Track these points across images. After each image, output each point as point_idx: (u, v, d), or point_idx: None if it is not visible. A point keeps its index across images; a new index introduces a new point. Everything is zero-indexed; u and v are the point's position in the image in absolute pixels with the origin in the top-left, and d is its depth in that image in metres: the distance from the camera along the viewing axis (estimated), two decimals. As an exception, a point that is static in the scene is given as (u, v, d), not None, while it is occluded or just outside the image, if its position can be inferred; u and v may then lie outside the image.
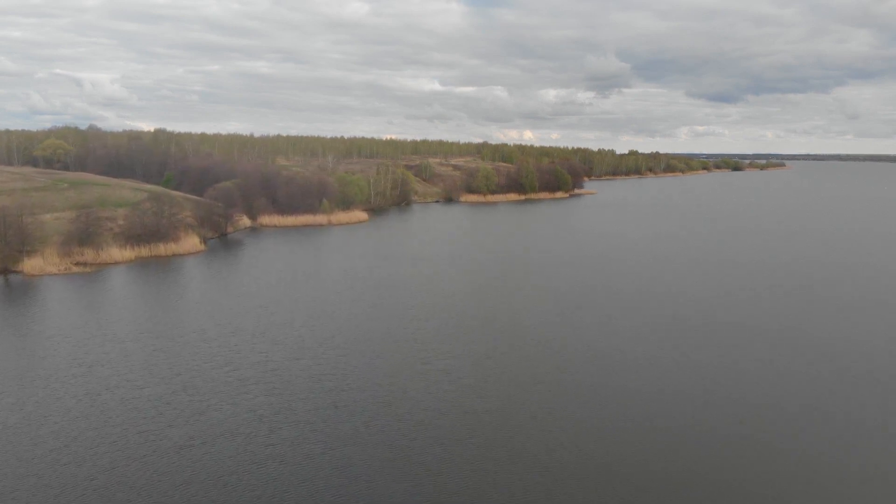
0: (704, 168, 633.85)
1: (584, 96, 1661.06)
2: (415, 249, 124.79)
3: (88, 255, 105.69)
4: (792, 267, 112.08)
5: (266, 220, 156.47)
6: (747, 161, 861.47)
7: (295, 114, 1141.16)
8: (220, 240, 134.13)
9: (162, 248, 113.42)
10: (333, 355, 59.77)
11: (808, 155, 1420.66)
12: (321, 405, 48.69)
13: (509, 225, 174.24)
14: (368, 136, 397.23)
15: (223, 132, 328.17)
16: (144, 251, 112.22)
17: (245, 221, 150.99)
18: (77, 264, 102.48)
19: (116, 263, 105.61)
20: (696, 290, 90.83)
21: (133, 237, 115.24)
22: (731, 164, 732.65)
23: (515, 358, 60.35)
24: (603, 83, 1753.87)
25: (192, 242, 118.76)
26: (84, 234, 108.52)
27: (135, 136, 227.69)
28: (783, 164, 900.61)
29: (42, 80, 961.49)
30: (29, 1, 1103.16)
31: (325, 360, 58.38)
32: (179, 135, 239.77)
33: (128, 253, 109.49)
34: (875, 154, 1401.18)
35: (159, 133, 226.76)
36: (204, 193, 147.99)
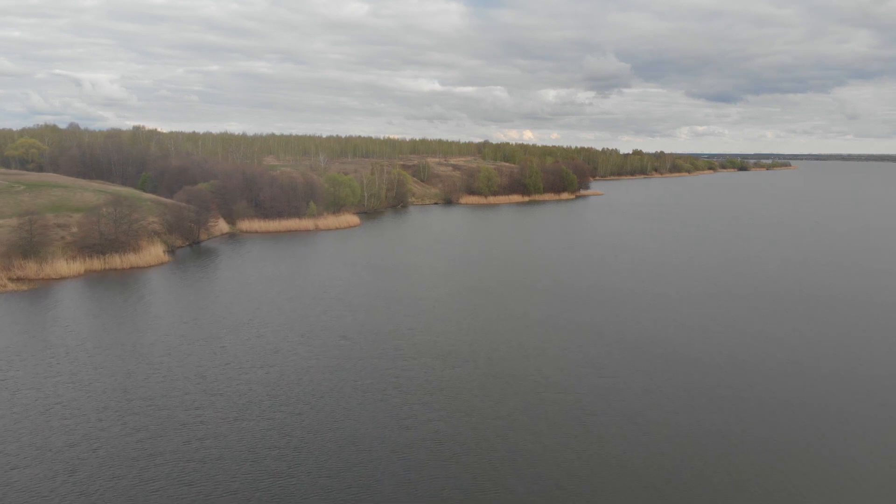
0: (710, 168, 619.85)
1: (584, 96, 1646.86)
2: (408, 259, 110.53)
3: (30, 268, 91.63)
4: (818, 270, 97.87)
5: (246, 225, 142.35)
6: (753, 161, 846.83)
7: (295, 114, 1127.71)
8: (192, 248, 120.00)
9: (118, 261, 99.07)
10: (285, 416, 45.39)
11: (810, 155, 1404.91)
12: (255, 504, 34.44)
13: (514, 229, 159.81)
14: (373, 137, 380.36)
15: (214, 132, 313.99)
16: (97, 264, 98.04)
17: (222, 227, 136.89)
18: (15, 280, 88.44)
19: (62, 279, 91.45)
20: (721, 297, 76.61)
21: (87, 247, 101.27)
22: (738, 163, 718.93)
23: (532, 417, 46.10)
24: (603, 83, 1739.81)
25: (154, 253, 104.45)
26: (28, 245, 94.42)
27: (111, 135, 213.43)
28: (789, 164, 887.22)
29: (41, 80, 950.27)
30: (28, 1, 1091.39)
31: (273, 424, 44.04)
32: (160, 133, 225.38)
33: (77, 266, 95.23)
34: (878, 154, 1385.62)
35: (138, 131, 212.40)
36: (174, 196, 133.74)
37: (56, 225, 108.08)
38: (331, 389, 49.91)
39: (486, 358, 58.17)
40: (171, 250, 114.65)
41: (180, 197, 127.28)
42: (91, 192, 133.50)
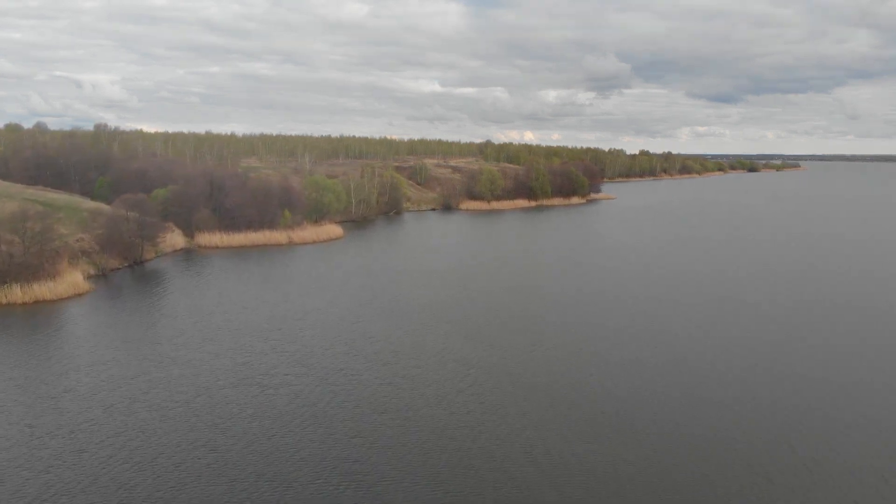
0: (720, 169, 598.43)
1: (585, 97, 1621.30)
2: (391, 287, 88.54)
3: None
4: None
5: (205, 239, 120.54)
6: (762, 162, 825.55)
7: (295, 115, 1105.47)
8: (132, 270, 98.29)
9: (18, 294, 77.16)
10: None
11: (813, 155, 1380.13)
12: None
13: (524, 242, 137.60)
14: (369, 137, 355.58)
15: (199, 133, 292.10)
16: (-8, 297, 76.35)
17: (175, 242, 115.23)
18: None
19: (-63, 318, 69.79)
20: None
21: (-14, 273, 79.59)
22: (747, 164, 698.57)
23: None
24: (603, 84, 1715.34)
25: (70, 281, 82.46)
26: None
27: (70, 135, 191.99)
28: (798, 165, 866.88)
29: (42, 81, 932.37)
30: (27, 3, 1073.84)
31: None
32: (125, 132, 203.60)
33: (-38, 301, 73.65)
34: (882, 154, 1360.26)
35: (100, 130, 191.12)
36: (111, 204, 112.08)
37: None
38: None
39: (494, 469, 36.33)
40: (102, 274, 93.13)
41: (116, 206, 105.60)
42: (18, 201, 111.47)
